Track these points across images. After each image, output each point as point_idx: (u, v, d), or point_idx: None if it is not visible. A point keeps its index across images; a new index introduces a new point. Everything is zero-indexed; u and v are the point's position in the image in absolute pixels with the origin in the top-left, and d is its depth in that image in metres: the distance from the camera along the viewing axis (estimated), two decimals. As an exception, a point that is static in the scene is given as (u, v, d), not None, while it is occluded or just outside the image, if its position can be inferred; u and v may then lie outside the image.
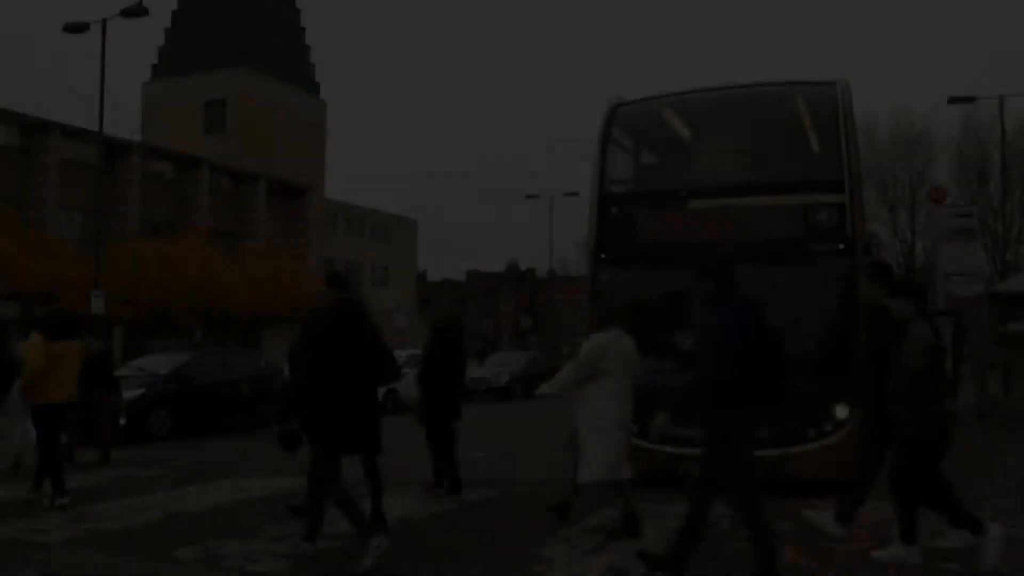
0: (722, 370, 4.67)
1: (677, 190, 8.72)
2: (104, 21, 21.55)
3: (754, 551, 4.76)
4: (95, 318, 23.42)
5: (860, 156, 8.93)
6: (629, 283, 8.86)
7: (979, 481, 8.47)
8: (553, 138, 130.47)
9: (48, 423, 7.51)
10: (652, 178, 9.69)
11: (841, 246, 7.85)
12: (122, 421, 13.21)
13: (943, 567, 5.16)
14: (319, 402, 5.35)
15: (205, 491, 8.09)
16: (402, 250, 61.98)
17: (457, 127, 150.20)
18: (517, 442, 13.53)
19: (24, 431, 9.09)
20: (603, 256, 8.66)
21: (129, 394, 13.48)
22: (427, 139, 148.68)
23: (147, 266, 32.32)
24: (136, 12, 21.25)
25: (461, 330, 7.81)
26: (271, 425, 14.64)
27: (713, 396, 4.76)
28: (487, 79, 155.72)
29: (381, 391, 6.24)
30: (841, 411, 7.70)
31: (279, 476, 8.81)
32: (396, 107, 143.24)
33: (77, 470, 9.57)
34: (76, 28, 21.74)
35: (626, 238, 8.71)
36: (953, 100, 24.10)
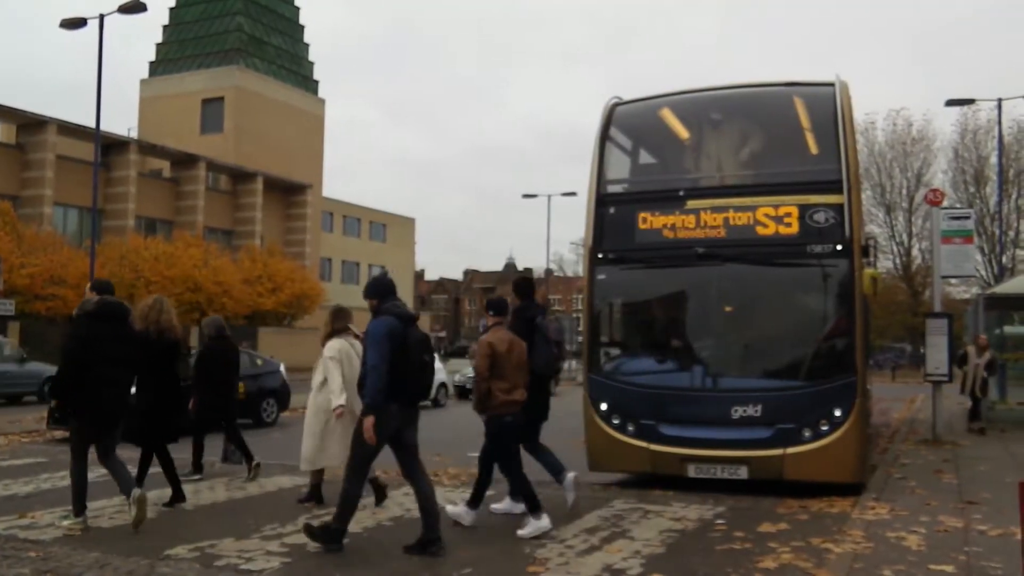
0: (381, 367, 5.42)
1: (675, 190, 8.71)
2: (102, 17, 21.47)
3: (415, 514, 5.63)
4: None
5: (858, 157, 8.92)
6: (626, 283, 8.86)
7: (975, 484, 8.47)
8: (549, 135, 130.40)
9: None
10: (650, 178, 9.67)
11: (839, 247, 7.84)
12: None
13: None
14: (74, 389, 6.16)
15: (199, 489, 8.05)
16: (400, 249, 61.91)
17: (455, 126, 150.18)
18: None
19: None
20: (600, 256, 8.64)
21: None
22: (425, 137, 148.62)
23: (143, 264, 32.27)
24: (134, 8, 21.16)
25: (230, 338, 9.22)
26: (263, 423, 14.69)
27: (359, 390, 5.68)
28: (486, 77, 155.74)
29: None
30: (838, 412, 7.68)
31: (274, 474, 8.80)
32: (394, 105, 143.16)
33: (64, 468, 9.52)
34: (73, 24, 21.65)
35: (623, 238, 8.69)
36: (951, 103, 24.11)
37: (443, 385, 22.32)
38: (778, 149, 9.08)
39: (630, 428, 8.22)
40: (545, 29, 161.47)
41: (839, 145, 8.06)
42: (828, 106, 8.37)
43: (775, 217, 8.20)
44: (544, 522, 6.23)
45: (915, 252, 43.27)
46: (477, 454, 11.60)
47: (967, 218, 13.71)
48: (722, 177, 9.00)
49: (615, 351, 9.00)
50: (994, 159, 33.78)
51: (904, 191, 42.32)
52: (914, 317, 39.28)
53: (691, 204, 8.52)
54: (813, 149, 8.81)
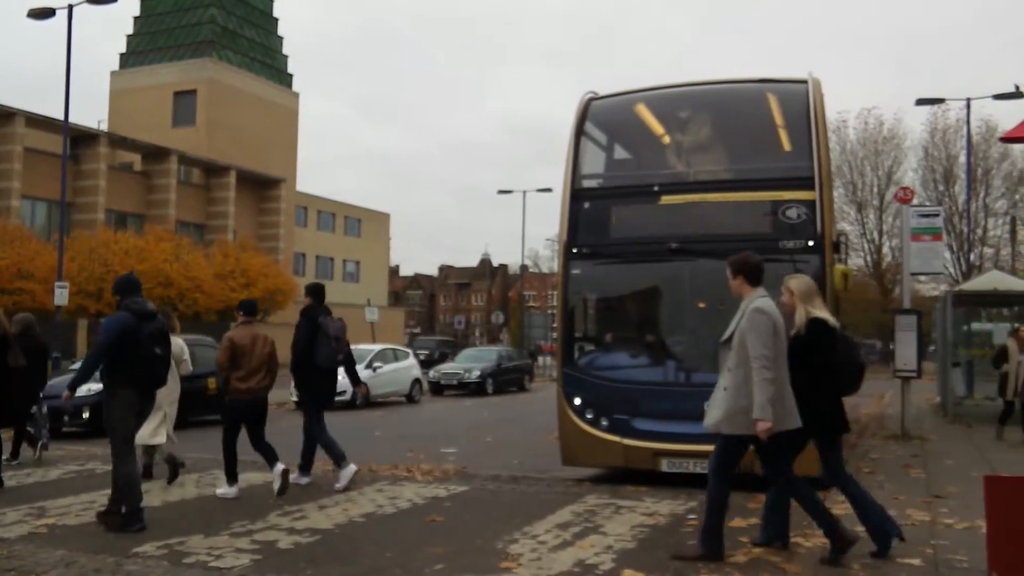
0: (97, 359, 6.26)
1: (649, 185, 8.72)
2: (71, 7, 21.11)
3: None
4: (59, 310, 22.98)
5: (830, 154, 8.99)
6: (600, 278, 8.87)
7: (942, 478, 8.60)
8: (528, 131, 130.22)
9: None
10: (624, 173, 9.68)
11: (811, 243, 7.90)
12: (85, 415, 13.01)
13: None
14: None
15: (168, 486, 7.96)
16: (374, 244, 61.59)
17: (431, 122, 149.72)
18: (488, 438, 13.50)
19: None
20: (575, 250, 8.65)
21: (92, 388, 13.22)
22: (401, 134, 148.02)
23: (113, 258, 31.80)
24: (103, -2, 20.83)
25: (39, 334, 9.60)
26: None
27: (102, 379, 6.35)
28: (466, 73, 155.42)
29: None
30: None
31: (245, 471, 8.69)
32: (370, 101, 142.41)
33: (37, 465, 9.37)
34: (42, 14, 21.26)
35: (598, 233, 8.70)
36: (921, 102, 24.41)
37: (417, 381, 22.19)
38: (751, 145, 9.14)
39: (604, 422, 8.24)
40: (523, 27, 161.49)
41: (811, 142, 8.12)
42: (801, 103, 8.42)
43: (748, 213, 8.25)
44: (232, 491, 7.39)
45: (885, 249, 43.78)
46: (452, 450, 11.61)
47: (936, 216, 13.90)
48: (695, 173, 9.04)
49: (589, 346, 9.02)
50: (963, 158, 34.27)
51: (875, 189, 42.80)
52: (884, 314, 39.75)
53: (665, 199, 8.55)
54: (786, 145, 8.87)
